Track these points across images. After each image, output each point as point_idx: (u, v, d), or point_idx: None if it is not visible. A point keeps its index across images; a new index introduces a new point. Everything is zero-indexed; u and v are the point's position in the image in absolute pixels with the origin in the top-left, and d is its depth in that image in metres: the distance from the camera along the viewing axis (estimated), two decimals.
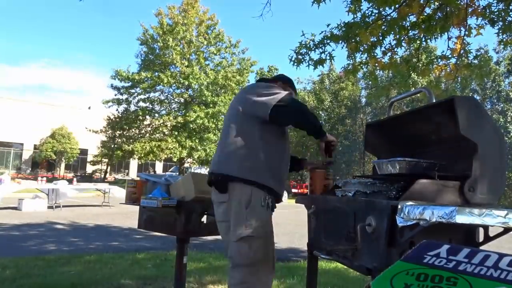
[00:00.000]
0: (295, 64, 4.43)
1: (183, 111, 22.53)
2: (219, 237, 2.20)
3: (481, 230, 1.57)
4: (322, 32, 4.34)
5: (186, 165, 24.25)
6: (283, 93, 1.98)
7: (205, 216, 2.59)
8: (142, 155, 21.40)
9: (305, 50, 4.41)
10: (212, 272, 4.16)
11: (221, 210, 2.07)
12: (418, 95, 2.79)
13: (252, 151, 1.98)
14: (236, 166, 1.97)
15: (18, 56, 63.32)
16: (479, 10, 4.15)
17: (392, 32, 4.36)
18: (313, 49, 4.38)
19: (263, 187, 1.96)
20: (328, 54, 4.39)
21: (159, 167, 33.55)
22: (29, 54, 64.86)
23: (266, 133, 2.02)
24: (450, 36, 4.41)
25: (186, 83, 21.26)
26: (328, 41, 4.30)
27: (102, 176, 28.28)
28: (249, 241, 1.91)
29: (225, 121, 2.16)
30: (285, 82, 2.30)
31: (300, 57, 4.42)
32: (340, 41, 4.29)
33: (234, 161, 1.98)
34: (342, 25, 4.27)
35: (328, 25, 4.33)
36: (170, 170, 28.13)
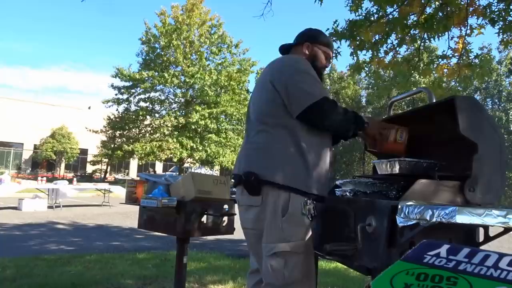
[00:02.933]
0: None
1: (184, 111, 22.54)
2: (219, 237, 2.19)
3: (481, 230, 1.56)
4: (327, 29, 4.34)
5: (186, 165, 24.26)
6: (317, 88, 1.68)
7: (205, 216, 2.59)
8: (143, 156, 21.41)
9: None
10: (212, 272, 4.16)
11: (251, 216, 1.73)
12: (420, 94, 2.80)
13: (294, 150, 1.67)
14: (273, 168, 1.66)
15: (40, 58, 64.33)
16: (480, 10, 4.15)
17: (394, 32, 4.36)
18: None
19: (304, 193, 1.65)
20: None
21: (159, 167, 33.55)
22: (52, 57, 65.77)
23: (309, 128, 1.70)
24: (451, 36, 4.42)
25: (191, 82, 21.23)
26: (334, 38, 4.30)
27: (102, 176, 28.29)
28: (285, 256, 1.60)
29: (255, 107, 1.81)
30: (313, 41, 1.91)
31: None
32: (344, 39, 4.29)
33: (272, 161, 1.67)
34: (346, 22, 4.27)
35: (335, 22, 4.32)
36: (170, 170, 28.12)
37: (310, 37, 1.92)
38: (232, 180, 1.89)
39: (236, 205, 1.98)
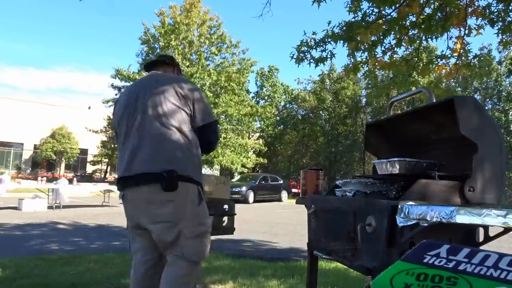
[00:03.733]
0: (297, 62, 4.42)
1: None
2: (219, 237, 2.22)
3: (481, 230, 1.57)
4: (323, 30, 4.34)
5: None
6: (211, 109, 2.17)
7: None
8: None
9: (306, 48, 4.40)
10: (212, 272, 4.16)
11: (168, 210, 1.86)
12: (420, 94, 2.80)
13: (193, 147, 1.97)
14: (187, 165, 1.92)
15: (46, 59, 64.72)
16: (479, 10, 4.15)
17: (392, 32, 4.36)
18: (314, 47, 4.38)
19: (199, 183, 1.99)
20: (329, 52, 4.38)
21: None
22: (58, 58, 66.04)
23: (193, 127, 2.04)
24: (450, 36, 4.42)
25: None
26: (329, 40, 4.30)
27: (102, 176, 28.28)
28: (204, 236, 1.96)
29: (156, 109, 1.96)
30: (179, 69, 2.36)
31: (301, 55, 4.41)
32: (341, 40, 4.29)
33: (185, 160, 1.92)
34: (343, 24, 4.27)
35: (328, 23, 4.33)
36: None
37: (177, 64, 2.35)
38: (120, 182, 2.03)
39: (124, 203, 2.06)
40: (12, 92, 63.42)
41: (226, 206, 2.62)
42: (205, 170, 22.98)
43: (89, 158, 29.53)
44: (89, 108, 33.58)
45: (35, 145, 29.68)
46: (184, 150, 1.92)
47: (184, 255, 1.90)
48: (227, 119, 23.12)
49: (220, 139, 22.33)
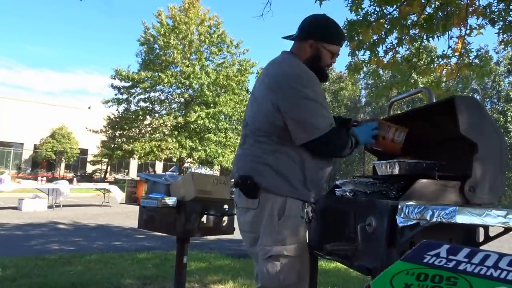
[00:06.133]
0: None
1: (183, 111, 22.55)
2: (219, 237, 2.19)
3: (481, 230, 1.56)
4: None
5: (186, 165, 24.27)
6: (321, 118, 1.63)
7: (205, 216, 2.59)
8: (142, 155, 21.42)
9: None
10: (212, 272, 4.16)
11: (248, 219, 1.69)
12: (419, 94, 2.79)
13: (296, 166, 1.65)
14: (269, 176, 1.64)
15: (65, 62, 65.54)
16: (480, 10, 4.14)
17: (394, 31, 4.36)
18: None
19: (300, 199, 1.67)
20: None
21: (159, 167, 33.55)
22: (76, 61, 66.65)
23: None
24: (451, 36, 4.41)
25: (187, 82, 21.27)
26: None
27: (102, 176, 28.29)
28: (280, 260, 1.59)
29: (255, 118, 1.74)
30: (318, 39, 1.74)
31: None
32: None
33: (267, 169, 1.64)
34: (345, 23, 4.27)
35: None
36: (170, 170, 28.14)
37: (315, 34, 1.75)
38: (232, 180, 1.87)
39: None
40: (25, 93, 63.86)
41: (226, 206, 2.61)
42: (205, 170, 23.00)
43: (89, 158, 29.54)
44: (89, 108, 33.59)
45: (35, 145, 29.69)
46: None
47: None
48: (227, 119, 23.12)
49: (219, 138, 22.38)
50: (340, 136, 1.67)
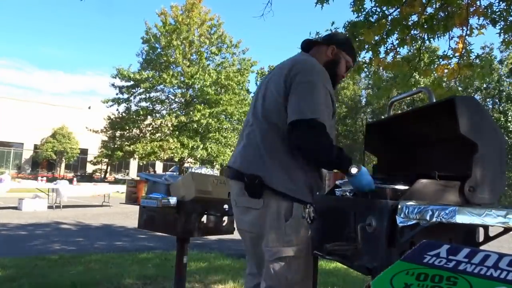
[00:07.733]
0: None
1: (184, 111, 22.55)
2: (220, 237, 2.18)
3: (481, 230, 1.56)
4: (327, 30, 4.34)
5: (186, 165, 24.27)
6: (321, 108, 1.59)
7: (205, 216, 2.59)
8: (143, 156, 21.42)
9: None
10: (212, 272, 4.16)
11: (249, 218, 1.68)
12: (420, 94, 2.80)
13: (296, 160, 1.64)
14: (276, 176, 1.61)
15: (76, 63, 66.02)
16: (481, 10, 4.14)
17: (395, 32, 4.36)
18: None
19: (304, 201, 1.67)
20: None
21: (159, 167, 33.55)
22: (88, 62, 67.12)
23: None
24: (452, 36, 4.41)
25: (190, 82, 21.28)
26: None
27: (102, 176, 28.29)
28: (288, 260, 1.59)
29: (262, 107, 1.71)
30: (340, 46, 1.82)
31: None
32: None
33: (275, 168, 1.62)
34: (347, 24, 4.27)
35: (332, 24, 4.33)
36: (170, 170, 28.12)
37: (338, 41, 1.85)
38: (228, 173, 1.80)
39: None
40: (33, 94, 64.22)
41: (226, 206, 2.61)
42: (206, 170, 23.01)
43: (89, 158, 29.56)
44: (89, 108, 33.60)
45: (35, 145, 29.70)
46: None
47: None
48: (227, 118, 23.14)
49: (221, 137, 22.40)
50: (328, 138, 1.59)
